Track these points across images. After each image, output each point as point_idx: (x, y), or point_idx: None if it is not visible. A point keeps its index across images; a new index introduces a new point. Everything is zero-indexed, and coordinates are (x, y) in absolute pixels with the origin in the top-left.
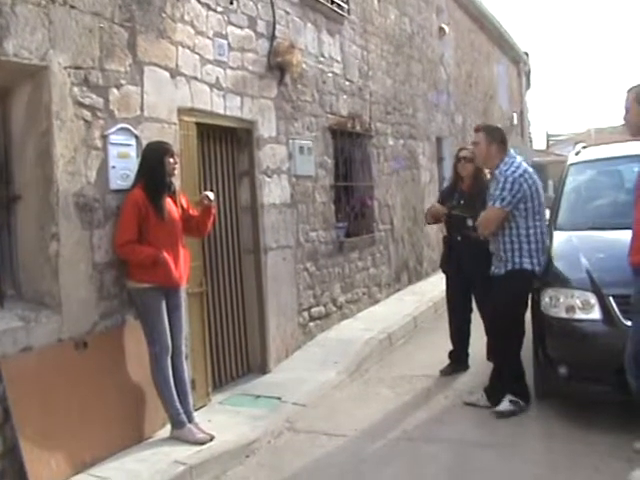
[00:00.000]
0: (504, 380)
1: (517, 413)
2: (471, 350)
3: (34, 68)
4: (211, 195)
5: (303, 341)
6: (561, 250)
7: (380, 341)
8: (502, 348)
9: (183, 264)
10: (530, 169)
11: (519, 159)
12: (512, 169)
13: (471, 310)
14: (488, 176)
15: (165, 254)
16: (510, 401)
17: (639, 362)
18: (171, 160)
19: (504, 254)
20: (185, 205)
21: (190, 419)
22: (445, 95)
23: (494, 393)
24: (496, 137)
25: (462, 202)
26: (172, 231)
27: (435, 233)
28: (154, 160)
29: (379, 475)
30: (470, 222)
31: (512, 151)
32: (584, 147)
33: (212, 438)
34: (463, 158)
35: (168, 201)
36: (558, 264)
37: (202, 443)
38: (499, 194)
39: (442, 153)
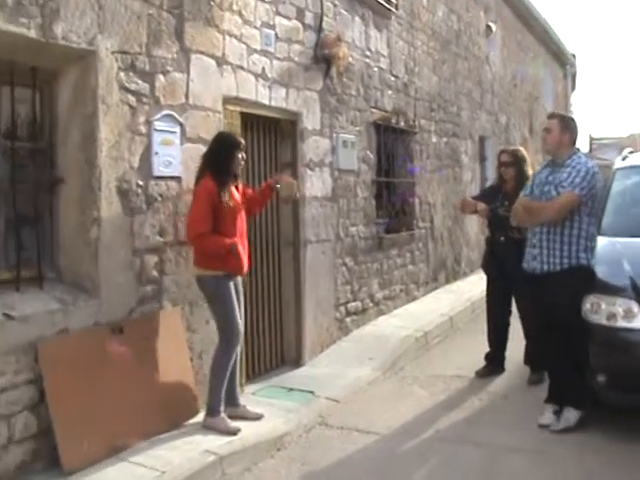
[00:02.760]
0: (567, 388)
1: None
2: (508, 353)
3: (82, 52)
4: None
5: (339, 336)
6: (604, 256)
7: (416, 339)
8: (565, 351)
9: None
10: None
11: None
12: (591, 164)
13: (510, 312)
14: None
15: (238, 244)
16: (554, 412)
17: None
18: (241, 155)
19: (564, 249)
20: (242, 190)
21: (237, 403)
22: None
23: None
24: (570, 127)
25: (506, 203)
26: (239, 220)
27: (475, 233)
28: (226, 152)
29: (410, 475)
30: (514, 223)
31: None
32: (631, 152)
33: (257, 420)
34: (503, 164)
35: (233, 191)
36: (601, 270)
37: (234, 433)
38: (579, 182)
39: (485, 153)
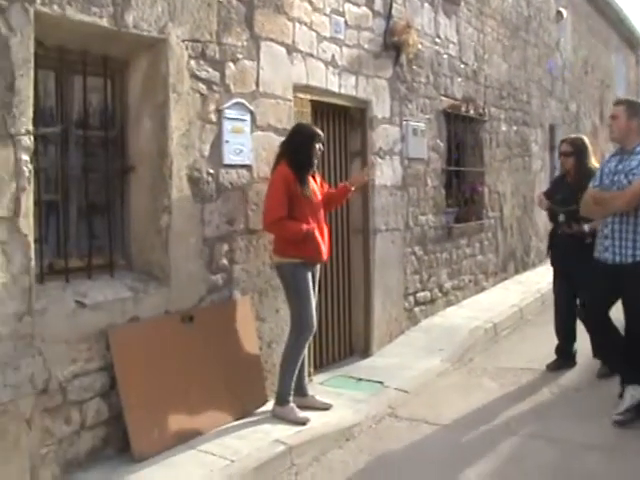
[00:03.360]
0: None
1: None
2: (579, 346)
3: (153, 40)
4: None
5: (407, 326)
6: None
7: (485, 330)
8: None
9: (327, 240)
10: None
11: None
12: None
13: (577, 305)
14: (597, 165)
15: (315, 230)
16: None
17: None
18: (319, 146)
19: (637, 239)
20: (320, 182)
21: (305, 393)
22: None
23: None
24: (638, 112)
25: (562, 196)
26: (316, 208)
27: (544, 224)
28: (306, 142)
29: (479, 468)
30: (562, 218)
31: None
32: None
33: (326, 410)
34: (563, 154)
35: (310, 180)
36: None
37: (303, 423)
38: None
39: (555, 141)
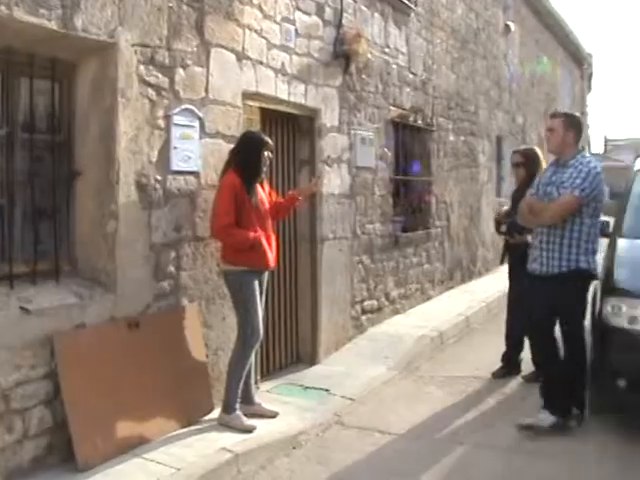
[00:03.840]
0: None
1: (568, 426)
2: (526, 354)
3: (102, 44)
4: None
5: (354, 334)
6: (625, 258)
7: (432, 339)
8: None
9: (274, 248)
10: None
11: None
12: (594, 164)
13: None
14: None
15: (262, 237)
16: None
17: None
18: (268, 154)
19: (563, 251)
20: (268, 191)
21: (252, 400)
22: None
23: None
24: (574, 125)
25: (511, 206)
26: (264, 216)
27: (491, 234)
28: (254, 150)
29: (426, 477)
30: (503, 228)
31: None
32: None
33: (272, 417)
34: (514, 164)
35: (258, 189)
36: (622, 272)
37: (249, 431)
38: (580, 183)
39: (502, 152)
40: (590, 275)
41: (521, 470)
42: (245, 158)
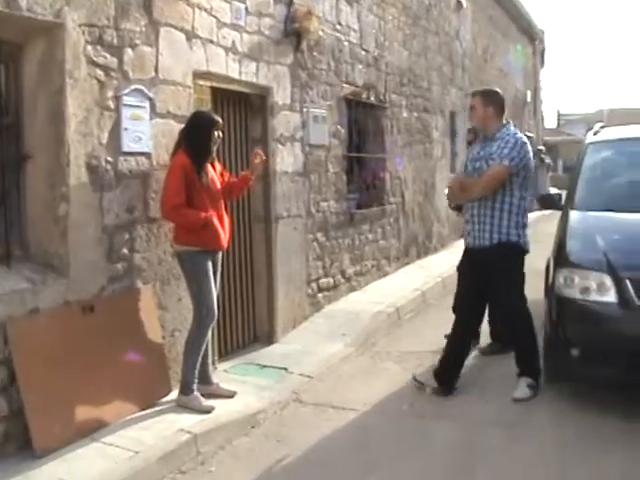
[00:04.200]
0: (521, 362)
1: (534, 397)
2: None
3: (48, 25)
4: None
5: (311, 312)
6: (577, 230)
7: (388, 315)
8: (515, 326)
9: (227, 228)
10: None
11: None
12: (520, 135)
13: None
14: None
15: (214, 218)
16: (528, 386)
17: None
18: (218, 134)
19: (494, 224)
20: (220, 171)
21: (209, 381)
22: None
23: (447, 377)
24: (494, 100)
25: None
26: (215, 196)
27: (445, 209)
28: (204, 130)
29: (386, 451)
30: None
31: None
32: (603, 127)
33: (230, 397)
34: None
35: (209, 169)
36: (574, 244)
37: (207, 411)
38: (508, 153)
39: (455, 128)
40: (521, 249)
41: (479, 440)
42: (195, 138)
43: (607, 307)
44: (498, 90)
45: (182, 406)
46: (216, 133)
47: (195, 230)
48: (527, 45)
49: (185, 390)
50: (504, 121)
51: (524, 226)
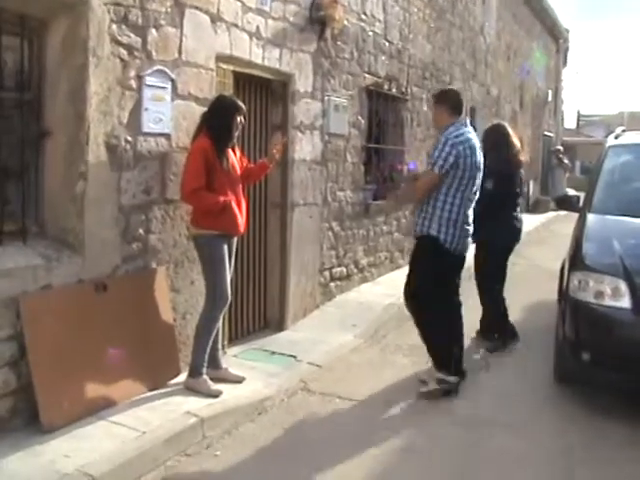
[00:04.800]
0: (429, 353)
1: (448, 392)
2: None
3: (73, 1)
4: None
5: (322, 301)
6: (594, 233)
7: (399, 307)
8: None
9: (245, 213)
10: (474, 142)
11: (468, 130)
12: (454, 134)
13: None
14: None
15: (232, 202)
16: (438, 380)
17: None
18: (240, 119)
19: (421, 216)
20: (239, 156)
21: (219, 365)
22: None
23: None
24: (444, 99)
25: None
26: (235, 181)
27: None
28: (227, 115)
29: (392, 443)
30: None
31: (466, 121)
32: (624, 130)
33: (238, 383)
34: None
35: (230, 153)
36: (590, 247)
37: (215, 396)
38: (434, 155)
39: (475, 123)
40: (439, 244)
41: (483, 439)
42: (217, 122)
43: (621, 312)
44: (452, 88)
45: (190, 389)
46: (238, 118)
47: (213, 214)
48: (550, 44)
49: (194, 373)
50: (459, 120)
51: (450, 223)
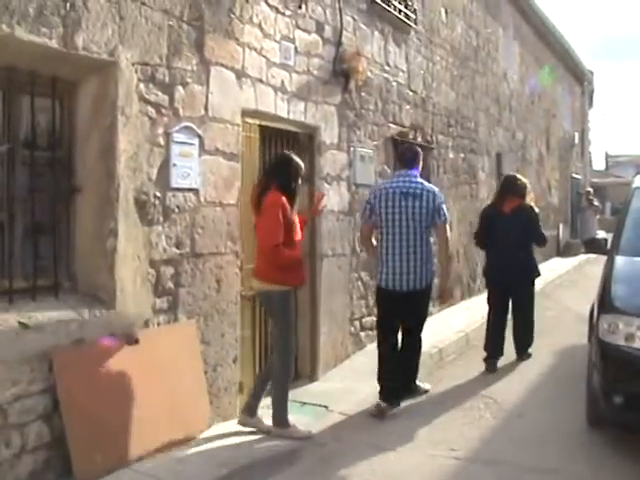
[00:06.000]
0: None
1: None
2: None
3: (102, 63)
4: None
5: (353, 350)
6: (622, 275)
7: (430, 355)
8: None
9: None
10: (386, 189)
11: (391, 180)
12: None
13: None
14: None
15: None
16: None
17: None
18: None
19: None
20: None
21: (254, 414)
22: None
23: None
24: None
25: None
26: (297, 234)
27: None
28: (296, 172)
29: None
30: None
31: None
32: None
33: (268, 433)
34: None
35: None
36: (619, 289)
37: (308, 437)
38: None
39: (502, 169)
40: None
41: None
42: (288, 180)
43: None
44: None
45: (280, 437)
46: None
47: (286, 269)
48: (575, 86)
49: (282, 424)
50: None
51: (384, 267)
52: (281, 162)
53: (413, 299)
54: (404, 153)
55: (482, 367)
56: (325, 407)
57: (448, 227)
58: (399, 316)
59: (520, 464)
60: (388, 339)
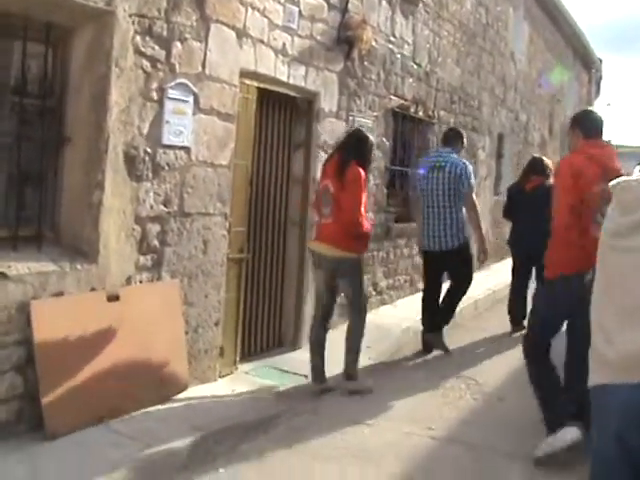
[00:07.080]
0: None
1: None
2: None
3: (99, 11)
4: None
5: (339, 321)
6: None
7: (416, 332)
8: None
9: None
10: (424, 165)
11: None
12: None
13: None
14: None
15: None
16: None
17: None
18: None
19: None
20: None
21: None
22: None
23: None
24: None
25: None
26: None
27: (485, 229)
28: (370, 151)
29: (398, 470)
30: None
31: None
32: None
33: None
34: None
35: None
36: None
37: (371, 390)
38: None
39: (502, 149)
40: None
41: (496, 471)
42: (366, 156)
43: None
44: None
45: (353, 391)
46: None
47: (361, 239)
48: (583, 73)
49: (354, 376)
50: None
51: None
52: (359, 139)
53: (449, 257)
54: (446, 132)
55: (467, 346)
56: (305, 377)
57: (474, 195)
58: (440, 273)
59: (497, 448)
60: (429, 291)
